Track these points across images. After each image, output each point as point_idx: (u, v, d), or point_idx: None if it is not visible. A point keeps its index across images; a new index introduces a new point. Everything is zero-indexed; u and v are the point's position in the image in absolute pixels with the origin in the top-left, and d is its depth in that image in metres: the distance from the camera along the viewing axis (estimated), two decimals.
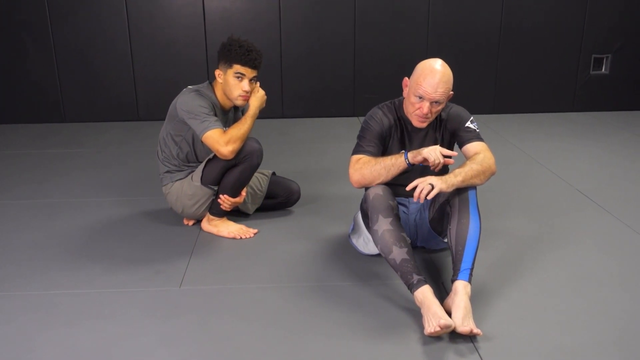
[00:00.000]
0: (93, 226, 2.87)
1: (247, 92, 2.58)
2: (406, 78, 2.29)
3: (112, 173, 3.73)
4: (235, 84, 2.56)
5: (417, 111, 2.21)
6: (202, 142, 2.57)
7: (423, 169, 2.22)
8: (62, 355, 1.85)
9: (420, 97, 2.18)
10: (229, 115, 2.75)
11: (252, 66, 2.55)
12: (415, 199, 2.04)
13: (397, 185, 2.30)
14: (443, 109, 2.35)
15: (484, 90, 5.42)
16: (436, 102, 2.18)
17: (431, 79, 2.15)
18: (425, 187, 2.02)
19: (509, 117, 5.35)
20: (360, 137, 2.34)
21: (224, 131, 2.52)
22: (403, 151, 2.19)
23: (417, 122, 2.26)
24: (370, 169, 2.19)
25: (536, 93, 5.46)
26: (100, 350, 1.87)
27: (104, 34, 5.00)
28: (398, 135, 2.35)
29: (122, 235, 2.76)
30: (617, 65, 5.42)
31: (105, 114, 5.22)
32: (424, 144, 2.35)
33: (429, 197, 2.02)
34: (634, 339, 1.91)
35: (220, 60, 2.59)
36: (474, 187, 2.16)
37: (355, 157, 2.28)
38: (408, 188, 2.09)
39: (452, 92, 2.26)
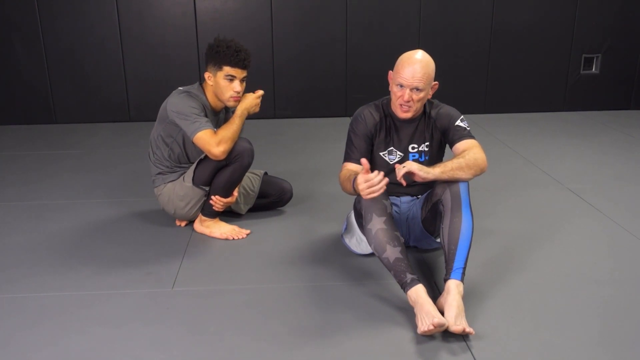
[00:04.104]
0: (83, 227, 2.85)
1: (238, 93, 2.57)
2: (390, 71, 2.32)
3: (102, 174, 3.71)
4: (226, 85, 2.54)
5: (399, 99, 2.24)
6: (193, 143, 2.55)
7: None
8: (51, 358, 1.83)
9: (401, 86, 2.22)
10: (220, 116, 2.74)
11: (242, 66, 2.53)
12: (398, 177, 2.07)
13: (390, 184, 2.31)
14: (433, 108, 2.37)
15: (475, 90, 5.44)
16: (416, 88, 2.20)
17: (409, 66, 2.19)
18: (401, 168, 2.07)
19: (500, 116, 5.38)
20: (347, 143, 2.40)
21: (215, 132, 2.51)
22: (355, 176, 2.19)
23: (400, 113, 2.28)
24: (344, 185, 2.28)
25: (527, 93, 5.49)
26: (91, 354, 1.85)
27: (94, 35, 4.98)
28: (384, 132, 2.37)
29: (113, 237, 2.75)
30: (607, 64, 5.46)
31: (96, 114, 5.19)
32: (412, 140, 2.36)
33: (400, 174, 2.05)
34: (625, 337, 1.92)
35: (208, 62, 2.57)
36: (466, 186, 2.17)
37: (342, 166, 2.37)
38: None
39: (436, 83, 2.29)
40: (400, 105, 2.25)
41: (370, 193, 2.00)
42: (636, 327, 1.97)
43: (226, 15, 5.04)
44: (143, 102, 5.17)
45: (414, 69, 2.18)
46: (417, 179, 2.11)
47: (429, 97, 2.31)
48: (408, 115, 2.27)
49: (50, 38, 4.95)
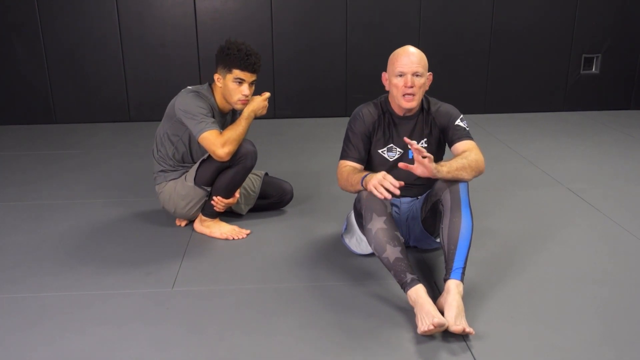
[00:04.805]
0: (83, 228, 2.85)
1: (246, 96, 2.56)
2: (384, 72, 2.34)
3: (102, 174, 3.71)
4: (235, 88, 2.54)
5: (402, 88, 2.25)
6: (198, 143, 2.55)
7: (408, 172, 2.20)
8: (51, 358, 1.83)
9: (400, 75, 2.24)
10: (227, 118, 2.74)
11: (252, 70, 2.53)
12: (409, 142, 2.05)
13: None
14: (432, 105, 2.38)
15: (475, 90, 5.44)
16: (416, 74, 2.24)
17: (405, 55, 2.25)
18: (420, 147, 2.04)
19: (500, 116, 5.37)
20: (345, 140, 2.40)
21: (221, 133, 2.51)
22: (366, 173, 2.20)
23: (405, 102, 2.28)
24: (344, 182, 2.30)
25: (527, 93, 5.49)
26: (91, 354, 1.85)
27: (94, 35, 4.98)
28: (383, 129, 2.37)
29: (113, 237, 2.75)
30: (607, 64, 5.45)
31: (96, 114, 5.19)
32: (411, 137, 2.37)
33: (423, 152, 2.03)
34: (625, 337, 1.92)
35: (218, 64, 2.56)
36: (465, 186, 2.17)
37: (340, 163, 2.38)
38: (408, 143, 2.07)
39: (430, 73, 2.32)
40: (404, 95, 2.26)
41: (377, 188, 2.03)
42: (636, 327, 1.97)
43: (226, 15, 5.05)
44: (143, 102, 5.17)
45: (410, 56, 2.24)
46: (423, 175, 2.09)
47: (426, 88, 2.32)
48: (413, 104, 2.28)
49: (50, 38, 4.95)
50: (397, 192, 2.03)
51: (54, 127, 5.04)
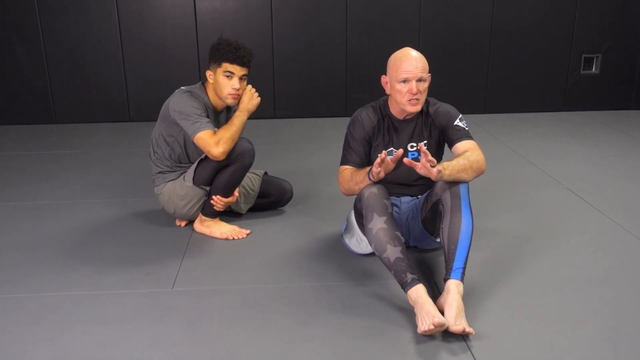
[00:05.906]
0: (83, 228, 2.85)
1: (236, 90, 2.57)
2: (383, 76, 2.33)
3: (102, 174, 3.71)
4: (225, 82, 2.55)
5: (407, 95, 2.24)
6: (193, 143, 2.56)
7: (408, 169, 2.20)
8: (51, 358, 1.83)
9: (404, 81, 2.23)
10: (222, 116, 2.74)
11: (241, 63, 2.54)
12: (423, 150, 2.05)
13: (390, 184, 2.32)
14: (431, 106, 2.38)
15: (475, 90, 5.44)
16: (420, 79, 2.23)
17: (407, 60, 2.23)
18: (427, 151, 2.03)
19: (500, 116, 5.38)
20: (344, 146, 2.40)
21: (215, 132, 2.51)
22: (368, 168, 2.21)
23: (410, 107, 2.27)
24: (347, 184, 2.31)
25: (527, 93, 5.49)
26: (91, 353, 1.85)
27: (94, 35, 4.98)
28: (383, 133, 2.37)
29: (113, 237, 2.75)
30: (607, 64, 5.46)
31: (96, 114, 5.19)
32: (411, 139, 2.37)
33: (427, 157, 2.02)
34: (626, 337, 1.92)
35: (210, 60, 2.59)
36: (466, 186, 2.17)
37: (341, 168, 2.38)
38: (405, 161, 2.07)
39: (429, 74, 2.31)
40: (409, 100, 2.25)
41: (379, 166, 2.08)
42: (637, 327, 1.97)
43: (226, 15, 5.05)
44: (143, 102, 5.17)
45: (412, 61, 2.22)
46: (425, 174, 2.08)
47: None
48: (418, 107, 2.28)
49: (50, 38, 4.95)
50: (392, 165, 2.09)
51: (54, 127, 5.05)
